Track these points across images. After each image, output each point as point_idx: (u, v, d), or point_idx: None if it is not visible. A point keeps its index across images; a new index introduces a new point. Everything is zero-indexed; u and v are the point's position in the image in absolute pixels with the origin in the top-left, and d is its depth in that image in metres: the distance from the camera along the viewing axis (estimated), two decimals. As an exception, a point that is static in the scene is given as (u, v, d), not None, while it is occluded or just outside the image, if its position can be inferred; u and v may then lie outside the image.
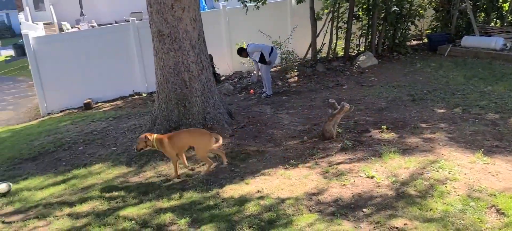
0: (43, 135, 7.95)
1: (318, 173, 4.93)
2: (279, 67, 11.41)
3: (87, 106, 10.59)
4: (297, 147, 5.84)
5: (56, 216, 4.50)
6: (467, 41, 10.89)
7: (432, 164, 4.86)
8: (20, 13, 23.52)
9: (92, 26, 20.18)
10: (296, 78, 10.64)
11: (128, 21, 11.70)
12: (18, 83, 18.79)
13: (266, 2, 10.59)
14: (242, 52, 9.48)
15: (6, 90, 17.22)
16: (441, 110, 6.85)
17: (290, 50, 11.27)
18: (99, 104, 10.94)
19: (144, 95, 11.24)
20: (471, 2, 11.62)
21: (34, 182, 5.51)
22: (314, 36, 11.35)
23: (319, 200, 4.31)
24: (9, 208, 4.81)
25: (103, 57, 11.01)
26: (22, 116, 12.26)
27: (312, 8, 11.08)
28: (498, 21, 12.65)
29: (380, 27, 11.68)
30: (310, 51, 11.75)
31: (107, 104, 10.84)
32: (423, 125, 6.22)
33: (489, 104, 6.87)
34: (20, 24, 19.21)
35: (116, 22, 20.18)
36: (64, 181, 5.43)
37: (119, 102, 10.86)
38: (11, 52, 29.17)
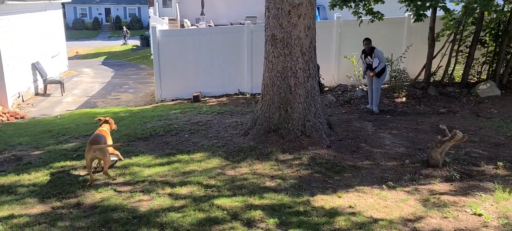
0: (155, 119, 8.71)
1: (417, 200, 4.63)
2: (387, 85, 10.97)
3: (196, 99, 11.34)
4: (397, 169, 5.56)
5: (159, 194, 4.89)
6: None
7: (555, 214, 4.25)
8: (150, 8, 26.13)
9: (210, 26, 21.55)
10: (404, 99, 10.12)
11: (243, 24, 12.25)
12: (140, 70, 20.90)
13: (383, 18, 10.25)
14: (370, 43, 8.79)
15: (130, 75, 19.27)
16: None
17: (401, 69, 10.76)
18: (206, 98, 11.65)
19: (248, 95, 11.67)
20: None
21: (144, 159, 6.07)
22: (430, 57, 10.69)
23: (415, 227, 4.05)
24: (121, 179, 5.37)
25: (215, 55, 11.70)
26: (140, 100, 13.61)
27: (432, 28, 10.45)
28: None
29: (509, 56, 10.55)
30: (423, 73, 11.09)
31: (213, 99, 11.49)
32: (549, 170, 5.47)
33: None
34: (149, 17, 21.30)
35: (232, 24, 21.29)
36: (168, 163, 5.89)
37: (224, 99, 11.43)
38: (137, 42, 32.61)
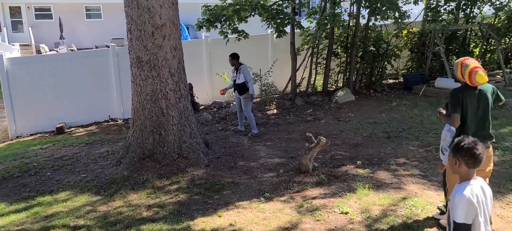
0: (9, 158, 7.63)
1: (293, 207, 4.85)
2: (258, 99, 11.44)
3: (60, 130, 10.30)
4: (273, 180, 5.77)
5: (16, 245, 4.25)
6: (440, 82, 11.21)
7: (405, 201, 4.86)
8: (-3, 33, 23.14)
9: (71, 50, 19.97)
10: (275, 110, 10.67)
11: (109, 46, 11.61)
12: (-11, 104, 18.22)
13: (248, 36, 10.71)
14: (233, 58, 8.40)
15: (-24, 110, 16.65)
16: (415, 148, 6.94)
17: (270, 83, 11.35)
18: (72, 129, 10.66)
19: (120, 121, 11.03)
20: (443, 46, 12.04)
21: (-5, 208, 5.23)
22: (294, 70, 11.49)
23: (292, 235, 4.22)
24: (-35, 235, 4.54)
25: (79, 81, 10.82)
26: (-10, 138, 11.81)
27: (292, 44, 11.26)
28: (470, 64, 13.10)
29: (358, 65, 11.93)
30: (289, 85, 11.86)
31: (81, 129, 10.57)
32: (398, 162, 6.27)
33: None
34: (-4, 44, 18.85)
35: (97, 47, 20.06)
36: (26, 208, 5.18)
37: (93, 127, 10.61)
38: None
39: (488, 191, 2.58)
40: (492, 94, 3.97)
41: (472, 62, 3.84)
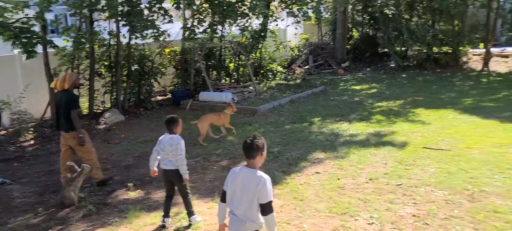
0: None
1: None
2: (11, 130, 9.79)
3: None
4: (29, 223, 4.99)
5: None
6: (204, 96, 12.13)
7: (176, 216, 4.97)
8: None
9: None
10: (33, 141, 9.34)
11: None
12: None
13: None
14: None
15: None
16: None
17: (23, 110, 9.86)
18: None
19: None
20: (204, 63, 13.11)
21: None
22: (52, 94, 10.30)
23: None
24: None
25: None
26: None
27: (47, 64, 10.09)
28: (227, 78, 14.70)
29: (125, 84, 11.69)
30: (49, 110, 10.60)
31: None
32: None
33: (224, 152, 7.68)
34: None
35: None
36: None
37: None
38: None
39: (245, 178, 3.13)
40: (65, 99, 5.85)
41: (61, 76, 6.09)
